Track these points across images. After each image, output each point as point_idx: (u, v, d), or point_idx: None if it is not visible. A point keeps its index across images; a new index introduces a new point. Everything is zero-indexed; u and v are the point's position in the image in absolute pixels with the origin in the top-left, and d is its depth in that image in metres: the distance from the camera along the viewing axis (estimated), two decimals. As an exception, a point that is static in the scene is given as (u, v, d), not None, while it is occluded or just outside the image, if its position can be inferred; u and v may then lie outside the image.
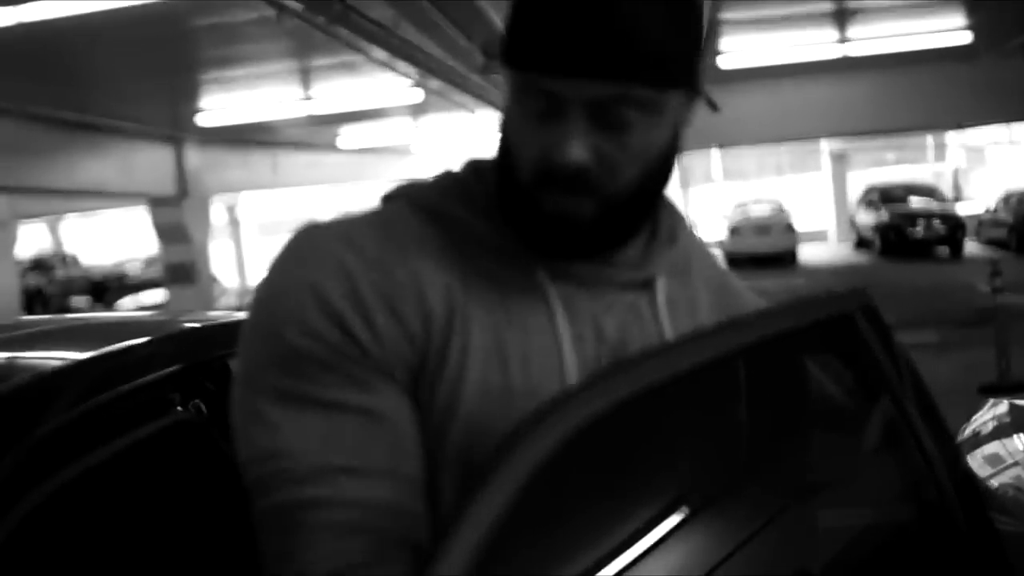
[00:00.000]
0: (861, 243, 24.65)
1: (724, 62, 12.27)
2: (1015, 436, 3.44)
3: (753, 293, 1.41)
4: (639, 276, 1.22)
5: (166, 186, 15.59)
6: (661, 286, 1.24)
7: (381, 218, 1.18)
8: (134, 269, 25.59)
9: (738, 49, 12.01)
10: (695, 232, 1.36)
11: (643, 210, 1.17)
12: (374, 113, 14.39)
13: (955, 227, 21.81)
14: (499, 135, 1.16)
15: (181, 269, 16.05)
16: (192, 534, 1.56)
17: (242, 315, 2.18)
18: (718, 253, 24.72)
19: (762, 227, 22.76)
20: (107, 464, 1.36)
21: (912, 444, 1.22)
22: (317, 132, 16.36)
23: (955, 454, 1.28)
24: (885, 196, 23.77)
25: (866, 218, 24.01)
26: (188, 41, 9.44)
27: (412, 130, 17.43)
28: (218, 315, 2.12)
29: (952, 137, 31.23)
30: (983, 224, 24.15)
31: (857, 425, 1.28)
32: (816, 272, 20.24)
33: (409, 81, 11.66)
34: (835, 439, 1.26)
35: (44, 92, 10.93)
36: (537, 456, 0.82)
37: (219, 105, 13.02)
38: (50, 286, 23.60)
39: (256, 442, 1.07)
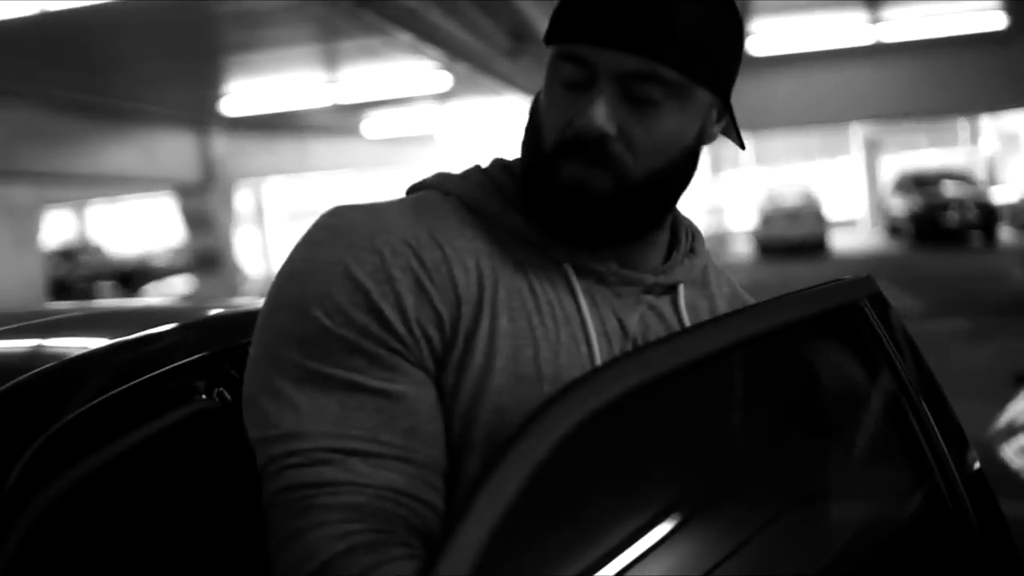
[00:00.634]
0: (893, 230, 24.43)
1: (754, 47, 12.12)
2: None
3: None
4: (662, 281, 1.25)
5: (191, 172, 15.58)
6: (682, 292, 1.28)
7: (412, 202, 1.20)
8: (160, 257, 25.66)
9: (769, 32, 11.84)
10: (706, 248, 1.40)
11: (659, 204, 1.19)
12: (400, 100, 14.32)
13: (989, 214, 21.60)
14: (529, 114, 1.22)
15: (206, 256, 16.04)
16: (216, 522, 1.54)
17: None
18: (748, 240, 24.73)
19: (792, 215, 22.59)
20: (131, 452, 1.34)
21: (920, 435, 1.24)
22: (343, 118, 16.31)
23: (964, 446, 1.28)
24: (918, 182, 23.54)
25: (898, 204, 23.78)
26: (212, 26, 9.39)
27: (438, 117, 17.34)
28: (243, 302, 2.11)
29: (986, 122, 30.94)
30: (1017, 210, 23.88)
31: (864, 416, 1.28)
32: (847, 260, 20.08)
33: (435, 64, 11.57)
34: (842, 431, 1.25)
35: (68, 78, 10.90)
36: (553, 436, 0.84)
37: (244, 90, 12.97)
38: (75, 273, 23.68)
39: (271, 420, 1.08)
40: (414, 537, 1.04)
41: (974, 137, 31.68)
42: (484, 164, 1.27)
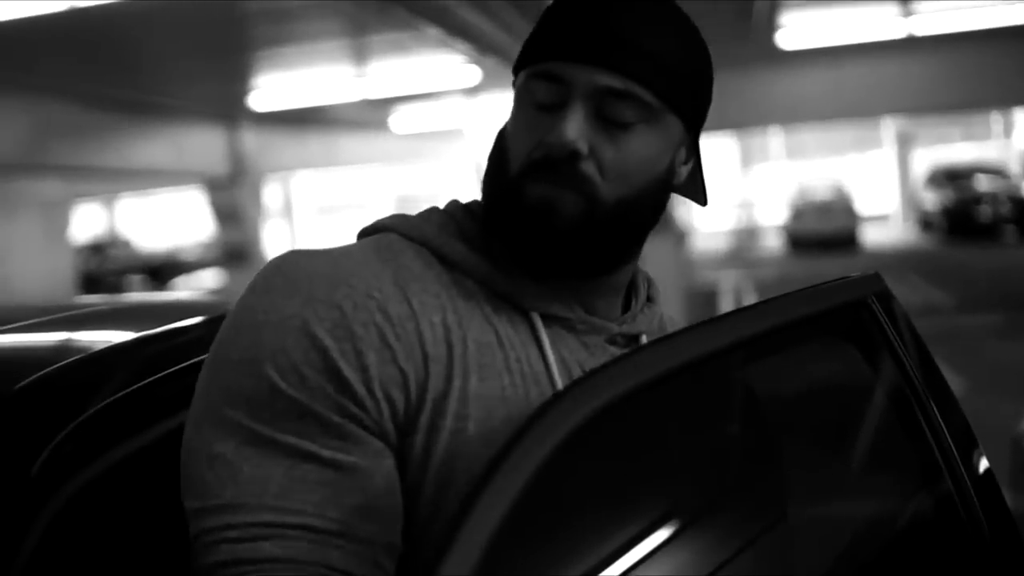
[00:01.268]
0: (926, 224, 24.23)
1: (785, 41, 12.03)
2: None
3: None
4: (626, 331, 1.22)
5: (220, 166, 15.64)
6: (645, 342, 1.24)
7: (373, 247, 1.13)
8: (189, 251, 25.79)
9: (799, 26, 11.75)
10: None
11: (628, 235, 1.15)
12: (429, 94, 14.32)
13: (1023, 208, 21.36)
14: (494, 144, 1.17)
15: (235, 250, 16.11)
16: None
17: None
18: (779, 235, 24.55)
19: (823, 209, 22.45)
20: (155, 445, 1.34)
21: (927, 433, 1.23)
22: (371, 112, 16.33)
23: (973, 444, 1.27)
24: (950, 176, 23.34)
25: (931, 199, 23.59)
26: (242, 21, 9.41)
27: (467, 111, 17.34)
28: None
29: (1020, 116, 30.64)
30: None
31: (870, 414, 1.27)
32: (879, 255, 19.94)
33: (464, 58, 11.56)
34: (847, 430, 1.24)
35: (98, 73, 10.96)
36: (554, 438, 0.83)
37: (273, 85, 13.00)
38: (105, 268, 23.82)
39: (210, 488, 1.00)
40: None
41: (1008, 131, 31.38)
42: (441, 206, 1.22)
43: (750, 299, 13.73)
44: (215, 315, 1.72)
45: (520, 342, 1.13)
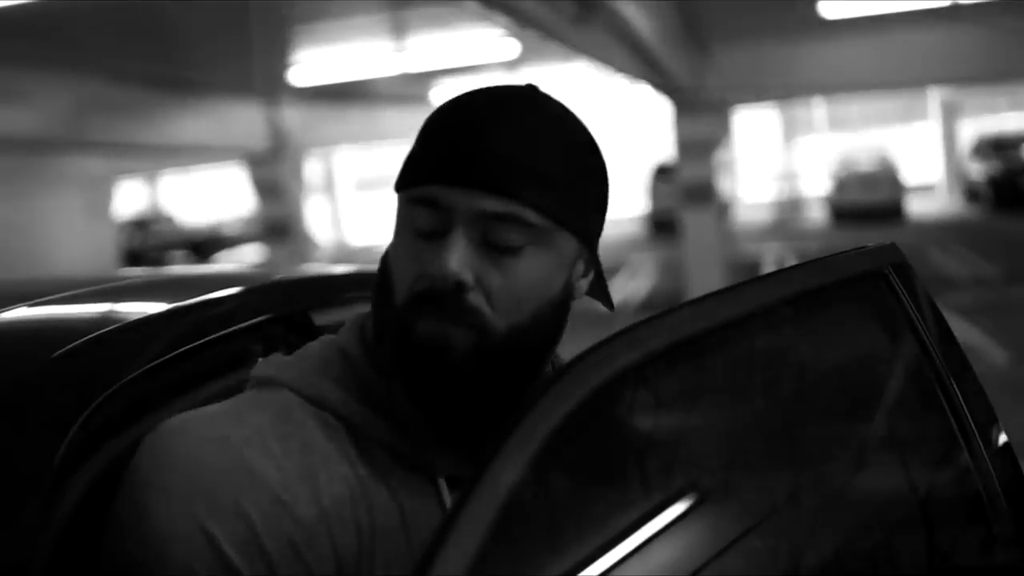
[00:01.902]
0: (972, 195, 23.90)
1: (828, 10, 11.88)
2: None
3: None
4: None
5: (261, 142, 15.69)
6: None
7: (271, 418, 1.05)
8: (231, 226, 25.94)
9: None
10: None
11: (525, 364, 1.07)
12: (469, 68, 14.29)
13: (1071, 178, 21.01)
14: (379, 268, 1.11)
15: (277, 225, 16.17)
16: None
17: (331, 268, 2.18)
18: (823, 206, 24.31)
19: (868, 180, 22.17)
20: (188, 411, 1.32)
21: (945, 405, 1.22)
22: (412, 86, 16.32)
23: (991, 419, 1.26)
24: (997, 146, 22.97)
25: (977, 169, 23.25)
26: (281, -6, 9.39)
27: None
28: (309, 269, 2.13)
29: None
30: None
31: (887, 385, 1.25)
32: (924, 226, 19.73)
33: (503, 32, 11.52)
34: (863, 400, 1.22)
35: (139, 50, 11.01)
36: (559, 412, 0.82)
37: (313, 60, 13.02)
38: (147, 243, 24.02)
39: None
40: None
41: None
42: (337, 337, 1.14)
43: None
44: (249, 286, 1.73)
45: (425, 514, 1.06)
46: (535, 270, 1.04)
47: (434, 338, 1.02)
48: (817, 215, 24.04)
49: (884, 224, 20.28)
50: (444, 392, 1.04)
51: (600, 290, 1.19)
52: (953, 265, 13.38)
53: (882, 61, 14.52)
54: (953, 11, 13.11)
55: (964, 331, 8.47)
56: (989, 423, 1.24)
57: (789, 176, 27.61)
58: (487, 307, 1.03)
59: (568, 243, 1.07)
